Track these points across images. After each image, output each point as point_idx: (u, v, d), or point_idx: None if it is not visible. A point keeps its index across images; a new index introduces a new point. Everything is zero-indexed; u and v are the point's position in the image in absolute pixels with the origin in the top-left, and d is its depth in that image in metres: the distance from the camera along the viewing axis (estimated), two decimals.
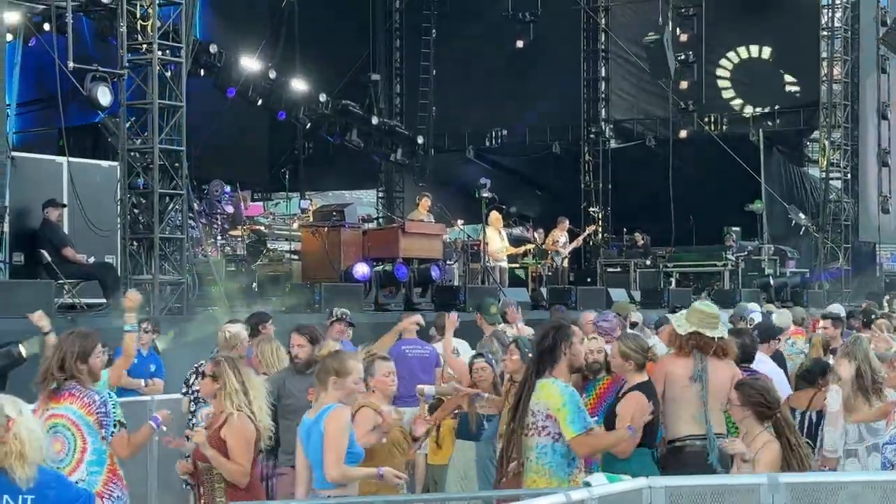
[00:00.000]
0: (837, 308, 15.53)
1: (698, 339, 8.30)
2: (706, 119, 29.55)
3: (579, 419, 7.68)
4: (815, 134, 29.70)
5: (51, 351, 8.35)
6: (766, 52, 29.81)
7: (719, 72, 30.33)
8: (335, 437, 6.83)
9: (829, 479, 7.16)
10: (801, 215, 28.66)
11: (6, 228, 15.16)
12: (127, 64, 15.88)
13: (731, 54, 30.04)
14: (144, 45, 15.91)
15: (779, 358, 11.26)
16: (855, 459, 8.82)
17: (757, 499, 6.12)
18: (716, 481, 6.84)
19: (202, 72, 23.82)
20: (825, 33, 29.05)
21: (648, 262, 26.24)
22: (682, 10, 29.39)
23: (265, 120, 28.81)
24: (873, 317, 15.26)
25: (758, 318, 15.18)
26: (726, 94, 29.88)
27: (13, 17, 16.26)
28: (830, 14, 28.99)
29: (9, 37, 15.52)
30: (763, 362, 9.72)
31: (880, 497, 6.48)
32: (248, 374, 7.51)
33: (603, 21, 30.83)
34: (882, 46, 28.80)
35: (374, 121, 29.30)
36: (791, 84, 29.95)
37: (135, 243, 15.82)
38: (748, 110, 29.58)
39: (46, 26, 16.68)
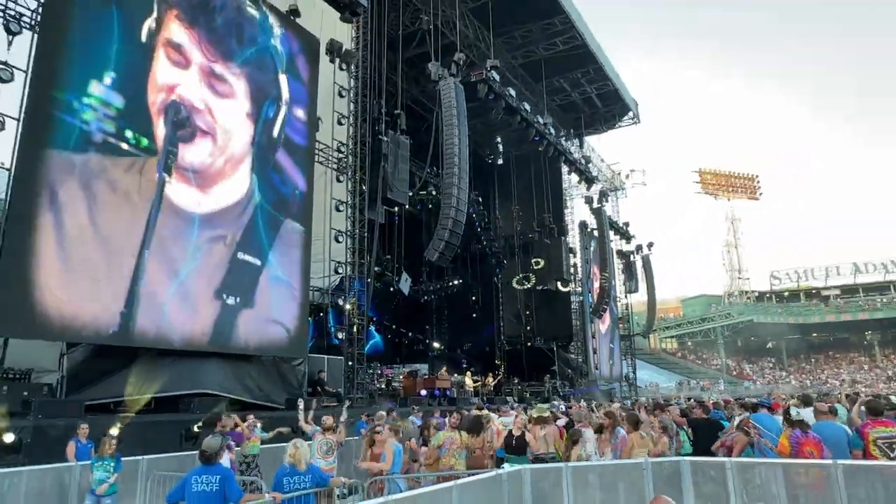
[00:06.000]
0: (584, 403, 14.58)
1: (539, 420, 7.67)
2: (538, 338, 27.75)
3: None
4: (572, 346, 27.76)
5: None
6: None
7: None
8: None
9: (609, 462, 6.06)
10: (569, 370, 26.63)
11: (305, 381, 14.30)
12: (345, 331, 15.42)
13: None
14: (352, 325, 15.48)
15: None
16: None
17: (558, 475, 5.40)
18: (548, 466, 5.98)
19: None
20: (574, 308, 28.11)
21: (522, 388, 24.44)
22: (528, 305, 28.51)
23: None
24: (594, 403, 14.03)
25: (558, 405, 14.34)
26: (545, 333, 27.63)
27: None
28: (579, 301, 28.20)
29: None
30: (560, 421, 8.76)
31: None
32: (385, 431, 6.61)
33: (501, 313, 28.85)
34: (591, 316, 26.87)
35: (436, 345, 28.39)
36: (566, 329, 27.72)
37: (349, 383, 15.03)
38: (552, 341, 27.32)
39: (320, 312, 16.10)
